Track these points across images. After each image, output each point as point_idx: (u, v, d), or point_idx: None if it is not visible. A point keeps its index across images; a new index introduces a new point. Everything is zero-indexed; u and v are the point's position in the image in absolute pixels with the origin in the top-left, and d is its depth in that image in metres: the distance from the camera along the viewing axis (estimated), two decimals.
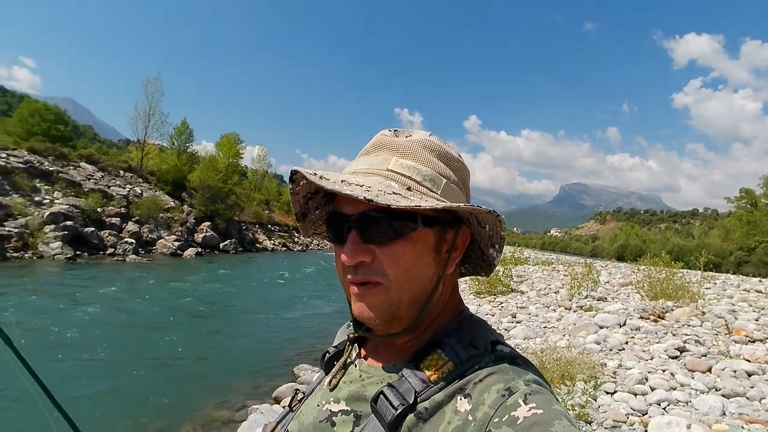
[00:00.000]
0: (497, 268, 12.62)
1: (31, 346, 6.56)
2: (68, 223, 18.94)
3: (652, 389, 4.03)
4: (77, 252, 18.10)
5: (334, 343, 0.78)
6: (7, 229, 16.81)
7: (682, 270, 10.41)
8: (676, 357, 4.96)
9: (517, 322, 7.61)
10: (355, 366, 0.66)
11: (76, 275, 13.90)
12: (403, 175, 0.58)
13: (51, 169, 22.86)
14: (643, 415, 3.50)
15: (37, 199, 20.26)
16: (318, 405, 0.64)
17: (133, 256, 19.85)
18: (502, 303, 9.74)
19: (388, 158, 0.60)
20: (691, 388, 4.01)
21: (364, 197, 0.50)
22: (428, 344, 0.60)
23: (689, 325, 6.36)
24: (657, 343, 5.57)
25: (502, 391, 0.50)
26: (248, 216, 37.09)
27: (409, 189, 0.57)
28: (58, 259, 16.81)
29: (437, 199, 0.57)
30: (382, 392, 0.55)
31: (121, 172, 28.70)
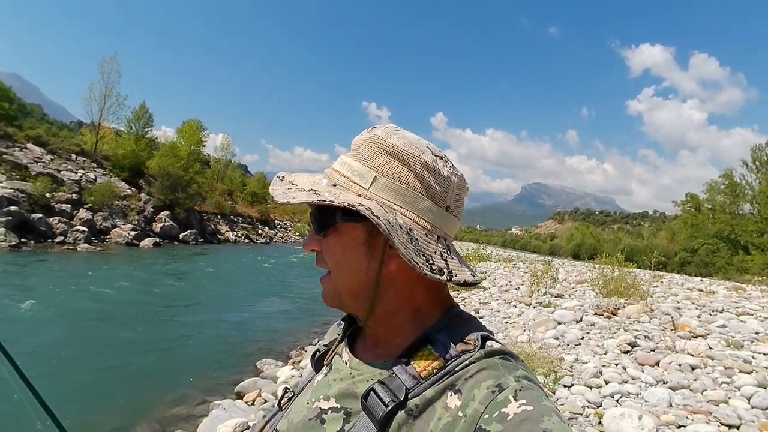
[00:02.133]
0: None
1: None
2: (12, 208, 17.75)
3: (606, 382, 4.22)
4: (22, 239, 16.99)
5: (325, 342, 0.78)
6: None
7: (633, 269, 10.98)
8: (627, 352, 5.22)
9: (480, 317, 7.80)
10: (345, 363, 0.66)
11: (20, 264, 13.05)
12: (336, 171, 0.62)
13: None
14: (598, 407, 3.67)
15: None
16: (308, 403, 0.64)
17: (85, 245, 18.85)
18: (465, 298, 9.95)
19: (342, 157, 0.64)
20: (642, 381, 4.22)
21: (285, 201, 0.58)
22: (418, 340, 0.60)
23: (639, 322, 6.71)
24: (610, 338, 5.85)
25: (492, 387, 0.50)
26: (210, 206, 35.95)
27: (334, 185, 0.60)
28: (1, 247, 15.73)
29: (360, 195, 0.58)
30: (372, 389, 0.56)
31: (73, 155, 27.07)
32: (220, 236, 32.85)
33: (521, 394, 0.49)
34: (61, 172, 23.71)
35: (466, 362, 0.55)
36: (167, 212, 27.14)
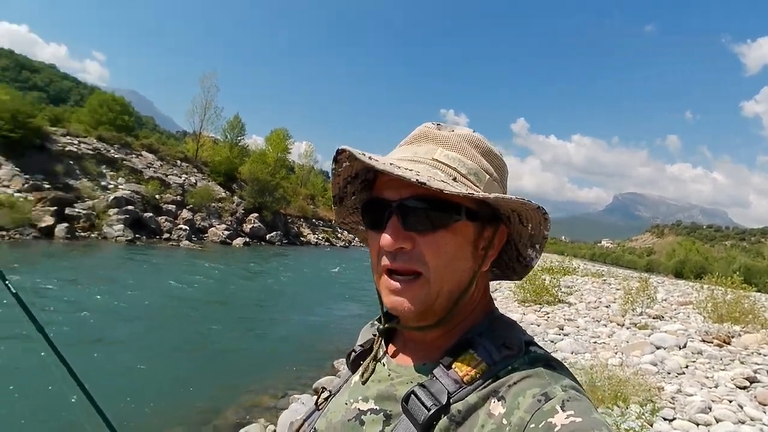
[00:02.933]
0: (544, 277, 12.12)
1: (82, 324, 7.01)
2: (129, 207, 20.20)
3: (717, 420, 3.71)
4: (136, 235, 19.26)
5: (359, 342, 0.76)
6: (76, 210, 18.15)
7: (752, 293, 9.57)
8: (745, 387, 4.54)
9: (565, 335, 7.29)
10: (384, 365, 0.66)
11: (133, 257, 14.76)
12: (448, 166, 0.57)
13: (116, 156, 24.45)
14: None
15: (103, 183, 21.73)
16: (346, 403, 0.64)
17: (186, 242, 20.89)
18: (548, 313, 9.37)
19: (433, 149, 0.60)
20: (763, 424, 3.65)
21: (416, 180, 0.50)
22: (460, 344, 0.58)
23: (760, 354, 5.82)
24: (722, 370, 5.14)
25: (539, 395, 0.48)
26: (294, 210, 38.00)
27: (454, 180, 0.56)
28: (119, 241, 17.97)
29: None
30: (413, 392, 0.54)
31: (178, 161, 30.23)
32: (302, 238, 34.49)
33: (569, 404, 0.47)
34: (168, 177, 26.55)
35: (509, 368, 0.53)
36: (256, 214, 29.15)
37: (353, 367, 0.71)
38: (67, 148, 21.71)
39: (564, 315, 9.19)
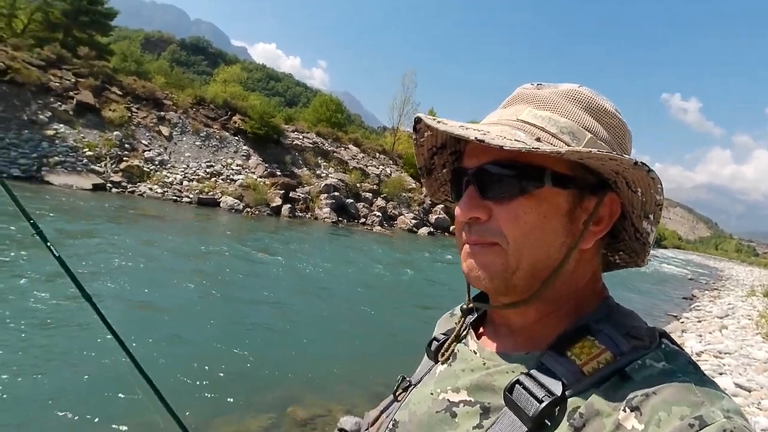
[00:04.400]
0: None
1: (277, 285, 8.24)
2: (335, 194, 23.26)
3: None
4: (339, 218, 22.11)
5: (441, 331, 0.68)
6: (298, 194, 21.84)
7: None
8: None
9: None
10: (476, 353, 0.58)
11: (336, 236, 16.93)
12: (534, 125, 0.50)
13: (329, 149, 28.37)
14: None
15: (318, 172, 25.54)
16: (432, 393, 0.57)
17: (379, 228, 22.94)
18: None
19: (521, 109, 0.53)
20: None
21: (475, 137, 0.46)
22: (575, 330, 0.49)
23: None
24: None
25: (690, 419, 0.37)
26: None
27: (538, 140, 0.49)
28: (326, 222, 20.92)
29: None
30: (518, 381, 0.47)
31: (377, 154, 33.25)
32: None
33: None
34: (368, 167, 29.48)
35: (639, 362, 0.44)
36: (441, 206, 29.95)
37: (435, 357, 0.64)
38: (294, 142, 26.25)
39: None
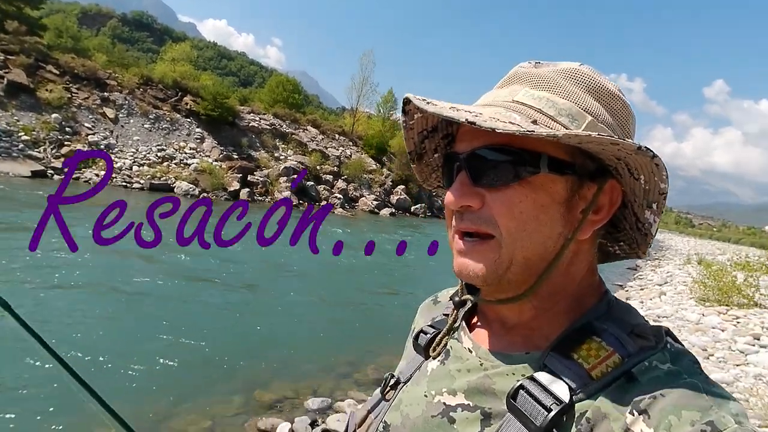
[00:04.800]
0: (735, 273, 9.94)
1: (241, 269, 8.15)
2: (295, 176, 22.87)
3: None
4: (300, 200, 21.80)
5: (426, 323, 0.64)
6: (256, 177, 21.31)
7: None
8: None
9: (761, 347, 5.87)
10: (471, 351, 0.54)
11: (295, 219, 16.74)
12: (531, 107, 0.47)
13: (287, 131, 27.74)
14: None
15: (276, 155, 24.98)
16: (425, 395, 0.54)
17: (340, 210, 22.85)
18: (738, 318, 7.66)
19: (517, 89, 0.50)
20: None
21: (465, 119, 0.42)
22: (578, 329, 0.47)
23: None
24: None
25: (701, 424, 0.36)
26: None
27: (534, 122, 0.46)
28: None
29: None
30: (522, 386, 0.44)
31: (336, 135, 32.84)
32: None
33: None
34: (328, 149, 29.13)
35: (646, 363, 0.42)
36: (403, 187, 30.20)
37: (425, 351, 0.60)
38: (250, 124, 25.46)
39: (762, 323, 7.39)
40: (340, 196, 24.56)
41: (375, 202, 26.48)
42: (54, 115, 17.47)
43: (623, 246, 0.57)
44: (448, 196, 0.50)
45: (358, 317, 6.80)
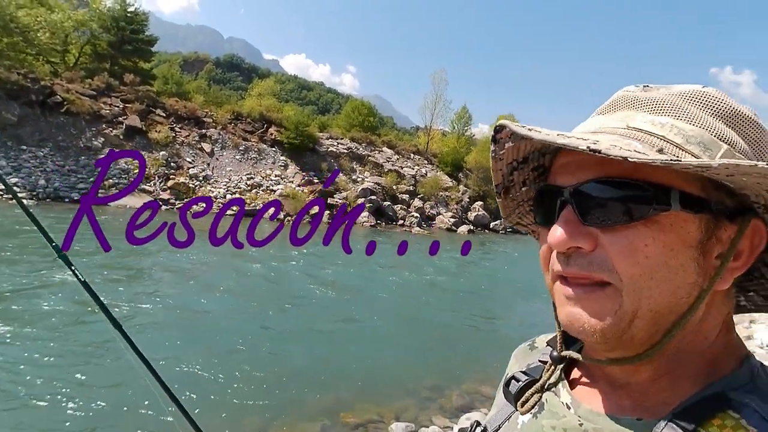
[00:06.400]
0: None
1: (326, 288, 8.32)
2: (372, 197, 23.39)
3: None
4: (378, 221, 22.22)
5: (520, 368, 0.58)
6: (335, 199, 22.15)
7: None
8: None
9: None
10: (568, 408, 0.48)
11: (376, 239, 17.00)
12: (652, 134, 0.41)
13: (363, 153, 28.60)
14: None
15: (353, 177, 25.80)
16: None
17: (417, 228, 22.86)
18: None
19: (630, 115, 0.44)
20: None
21: (587, 147, 0.37)
22: (707, 398, 0.40)
23: None
24: None
25: None
26: None
27: (660, 151, 0.40)
28: (365, 226, 21.07)
29: None
30: None
31: (411, 155, 33.15)
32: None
33: None
34: (403, 169, 29.46)
35: None
36: (480, 203, 29.45)
37: (516, 400, 0.54)
38: (329, 149, 26.66)
39: None
40: (417, 215, 24.58)
41: (452, 220, 26.10)
42: (162, 153, 19.75)
43: (753, 297, 0.48)
44: (552, 235, 0.42)
45: (443, 340, 6.64)
